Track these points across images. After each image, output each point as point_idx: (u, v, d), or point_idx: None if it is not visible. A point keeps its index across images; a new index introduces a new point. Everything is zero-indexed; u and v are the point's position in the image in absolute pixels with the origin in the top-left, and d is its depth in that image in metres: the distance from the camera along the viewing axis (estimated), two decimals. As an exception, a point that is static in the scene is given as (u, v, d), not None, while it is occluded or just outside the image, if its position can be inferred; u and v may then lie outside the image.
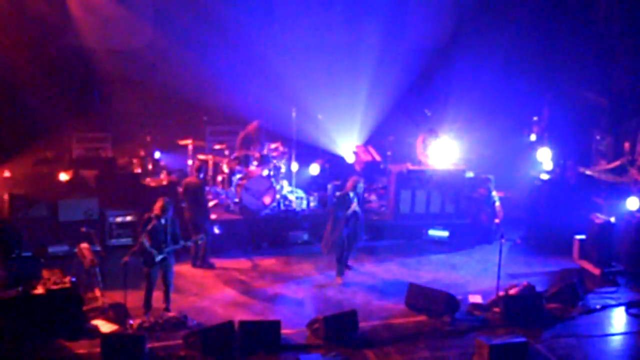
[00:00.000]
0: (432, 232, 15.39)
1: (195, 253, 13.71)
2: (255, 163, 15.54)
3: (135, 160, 16.80)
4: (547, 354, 10.62)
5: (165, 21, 17.74)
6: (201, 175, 13.90)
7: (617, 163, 15.53)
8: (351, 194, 13.02)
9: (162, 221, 11.25)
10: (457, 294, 12.07)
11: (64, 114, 17.30)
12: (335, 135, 17.72)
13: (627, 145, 15.53)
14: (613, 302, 12.41)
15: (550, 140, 17.05)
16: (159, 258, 11.27)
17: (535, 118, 18.18)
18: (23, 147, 16.63)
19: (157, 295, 11.55)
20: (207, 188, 14.91)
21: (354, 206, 12.92)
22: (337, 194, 14.05)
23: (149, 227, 11.15)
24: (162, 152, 17.29)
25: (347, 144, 17.74)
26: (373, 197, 16.89)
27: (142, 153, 17.14)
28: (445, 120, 17.21)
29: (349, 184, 13.23)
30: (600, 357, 10.88)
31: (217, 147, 16.50)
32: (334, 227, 13.03)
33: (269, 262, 14.17)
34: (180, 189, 14.33)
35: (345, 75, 18.25)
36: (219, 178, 15.67)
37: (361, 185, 13.26)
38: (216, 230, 14.39)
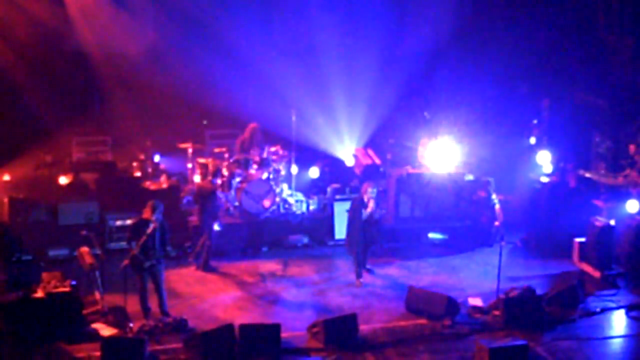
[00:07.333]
0: (432, 235, 15.40)
1: (197, 256, 13.72)
2: (255, 166, 15.53)
3: (135, 164, 16.82)
4: (548, 357, 10.61)
5: (165, 25, 17.76)
6: (215, 180, 13.87)
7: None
8: (365, 198, 13.13)
9: (151, 225, 11.16)
10: (457, 296, 12.06)
11: (64, 117, 17.34)
12: (335, 138, 17.72)
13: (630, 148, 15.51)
14: (613, 305, 12.38)
15: (549, 143, 17.03)
16: (147, 265, 11.22)
17: (534, 121, 18.17)
18: (23, 151, 16.65)
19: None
20: (219, 193, 14.45)
21: (370, 209, 13.01)
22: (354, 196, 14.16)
23: (149, 230, 11.10)
24: (161, 155, 17.30)
25: (347, 147, 17.73)
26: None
27: (141, 156, 17.15)
28: (445, 123, 17.20)
29: (362, 190, 13.35)
30: (600, 360, 10.91)
31: (216, 150, 16.51)
32: (350, 230, 13.19)
33: (269, 266, 14.16)
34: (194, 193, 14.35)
35: (346, 78, 18.24)
36: (219, 181, 15.63)
37: (371, 190, 13.24)
38: (216, 227, 14.20)
